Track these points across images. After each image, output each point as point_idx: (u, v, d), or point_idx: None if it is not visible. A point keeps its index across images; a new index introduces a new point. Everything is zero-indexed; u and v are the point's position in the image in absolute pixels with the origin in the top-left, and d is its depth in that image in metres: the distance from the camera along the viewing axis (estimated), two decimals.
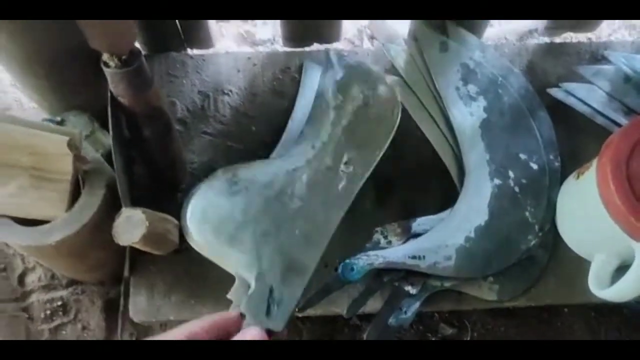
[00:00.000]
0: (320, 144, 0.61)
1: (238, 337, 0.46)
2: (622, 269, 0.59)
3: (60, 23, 0.55)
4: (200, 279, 0.64)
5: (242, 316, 0.49)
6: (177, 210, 0.59)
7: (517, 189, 0.68)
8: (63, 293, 0.79)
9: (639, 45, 0.83)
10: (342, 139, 0.62)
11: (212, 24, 0.80)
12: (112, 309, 0.78)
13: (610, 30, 1.08)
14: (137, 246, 0.56)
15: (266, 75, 0.78)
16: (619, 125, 0.73)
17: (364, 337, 0.62)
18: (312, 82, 0.75)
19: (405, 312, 0.62)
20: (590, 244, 0.66)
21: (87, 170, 0.60)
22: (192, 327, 0.43)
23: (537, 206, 0.68)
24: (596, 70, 0.77)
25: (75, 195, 0.59)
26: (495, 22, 1.06)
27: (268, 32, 1.03)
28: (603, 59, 0.81)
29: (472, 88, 0.73)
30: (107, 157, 0.64)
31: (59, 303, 0.79)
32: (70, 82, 0.64)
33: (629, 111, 0.74)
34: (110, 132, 0.57)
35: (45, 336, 0.78)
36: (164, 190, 0.67)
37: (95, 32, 0.48)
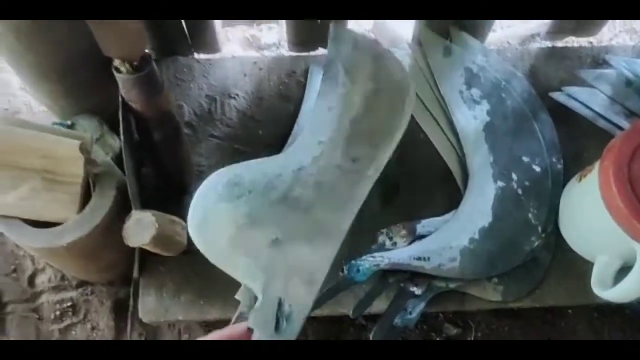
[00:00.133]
0: (327, 139, 0.55)
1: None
2: (624, 270, 0.60)
3: (72, 28, 0.56)
4: (209, 279, 0.65)
5: (250, 330, 0.47)
6: (185, 212, 0.59)
7: (520, 192, 0.69)
8: (73, 294, 0.80)
9: None
10: (351, 133, 0.56)
11: (219, 29, 0.81)
12: (121, 310, 0.79)
13: (612, 35, 1.09)
14: (147, 248, 0.57)
15: (272, 79, 0.79)
16: (620, 128, 0.74)
17: (370, 337, 0.63)
18: (318, 86, 0.76)
19: (411, 313, 0.63)
20: (593, 245, 0.66)
21: (97, 173, 0.61)
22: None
23: (540, 208, 0.69)
24: (598, 75, 0.77)
25: (86, 198, 0.60)
26: (498, 27, 1.07)
27: (273, 37, 1.04)
28: (604, 63, 0.81)
29: (475, 92, 0.74)
30: (116, 160, 0.65)
31: (69, 304, 0.80)
32: (82, 86, 0.65)
33: (630, 114, 0.75)
34: (122, 136, 0.58)
35: (56, 336, 0.79)
36: (173, 193, 0.67)
37: (108, 39, 0.50)
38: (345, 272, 0.60)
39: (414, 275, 0.64)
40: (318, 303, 0.56)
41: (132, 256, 0.65)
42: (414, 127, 0.70)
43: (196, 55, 0.82)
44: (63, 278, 0.81)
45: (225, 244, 0.50)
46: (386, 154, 0.56)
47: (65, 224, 0.59)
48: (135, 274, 0.65)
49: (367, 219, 0.67)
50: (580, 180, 0.66)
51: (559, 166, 0.72)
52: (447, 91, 0.74)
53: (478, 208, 0.68)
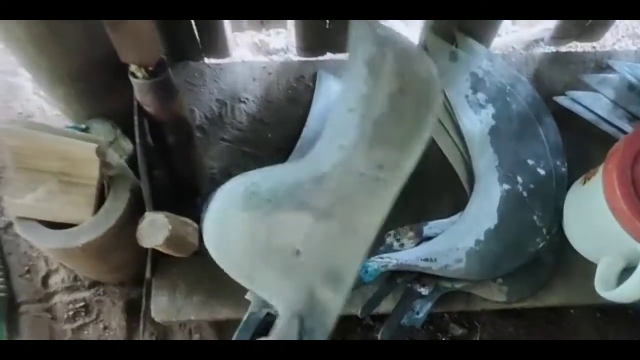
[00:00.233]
0: (349, 143, 0.50)
1: None
2: (627, 271, 0.61)
3: (86, 33, 0.57)
4: (220, 280, 0.64)
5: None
6: (197, 214, 0.60)
7: (525, 194, 0.70)
8: (86, 294, 0.81)
9: None
10: (374, 136, 0.50)
11: (229, 34, 0.82)
12: (133, 310, 0.80)
13: (615, 40, 1.10)
14: (159, 249, 0.58)
15: (281, 83, 0.80)
16: (623, 132, 0.75)
17: (378, 337, 0.64)
18: (326, 90, 0.77)
19: (418, 313, 0.64)
20: (596, 247, 0.67)
21: (112, 175, 0.62)
22: None
23: (545, 210, 0.69)
24: (601, 79, 0.78)
25: (100, 200, 0.61)
26: (503, 32, 1.08)
27: (282, 42, 1.06)
28: (608, 68, 0.82)
29: (481, 96, 0.75)
30: (129, 163, 0.66)
31: (82, 304, 0.81)
32: (95, 90, 0.66)
33: (633, 118, 0.76)
34: (137, 139, 0.59)
35: (69, 336, 0.80)
36: (185, 195, 0.69)
37: (125, 45, 0.51)
38: None
39: (421, 276, 0.65)
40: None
41: (143, 257, 0.66)
42: None
43: (207, 60, 0.83)
44: (76, 279, 0.82)
45: (242, 258, 0.48)
46: (413, 157, 0.52)
47: (80, 225, 0.60)
48: (148, 274, 0.66)
49: None
50: (584, 183, 0.67)
51: (563, 169, 0.73)
52: (453, 95, 0.75)
53: (484, 210, 0.69)
